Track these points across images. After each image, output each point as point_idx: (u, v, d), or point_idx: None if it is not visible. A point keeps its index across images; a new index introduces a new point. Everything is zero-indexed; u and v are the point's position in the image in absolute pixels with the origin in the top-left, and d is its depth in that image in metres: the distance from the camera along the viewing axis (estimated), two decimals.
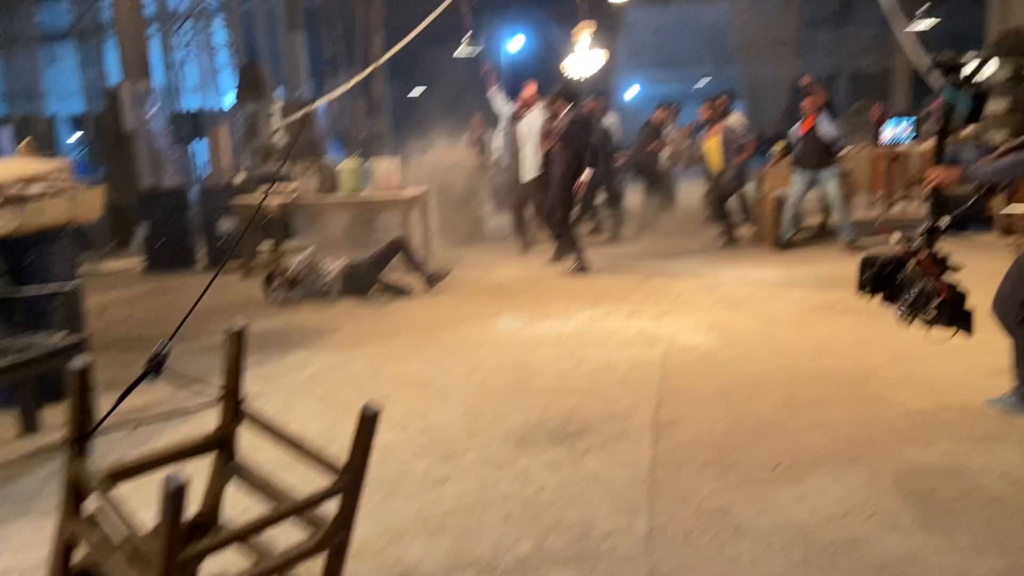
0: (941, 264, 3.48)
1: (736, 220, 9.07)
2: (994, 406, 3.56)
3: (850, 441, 3.27)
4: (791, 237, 8.11)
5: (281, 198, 7.69)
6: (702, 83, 21.11)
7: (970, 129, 9.25)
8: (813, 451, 3.18)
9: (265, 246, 8.29)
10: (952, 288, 3.41)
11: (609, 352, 4.70)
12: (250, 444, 2.26)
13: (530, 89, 8.30)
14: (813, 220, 9.22)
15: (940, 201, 3.60)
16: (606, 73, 15.88)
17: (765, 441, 3.31)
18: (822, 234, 8.79)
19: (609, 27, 19.35)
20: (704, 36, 20.78)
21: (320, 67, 9.88)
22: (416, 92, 18.97)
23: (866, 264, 3.74)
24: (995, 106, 9.14)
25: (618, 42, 20.30)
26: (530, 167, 8.11)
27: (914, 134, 10.00)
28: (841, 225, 8.01)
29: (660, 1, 19.40)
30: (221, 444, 2.15)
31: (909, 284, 3.54)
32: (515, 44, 20.56)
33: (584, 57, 9.31)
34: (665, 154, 10.04)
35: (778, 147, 9.07)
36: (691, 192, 11.52)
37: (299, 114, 9.94)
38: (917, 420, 3.46)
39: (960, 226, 8.28)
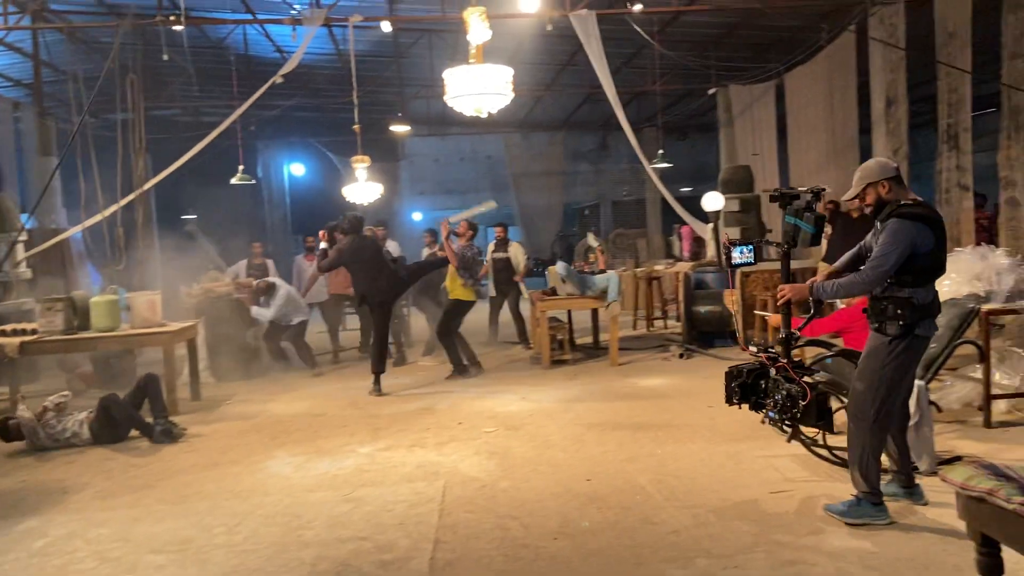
0: (801, 368, 3.78)
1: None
2: (845, 517, 3.64)
3: (621, 566, 3.33)
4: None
5: (20, 338, 6.85)
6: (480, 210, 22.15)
7: (711, 253, 10.40)
8: None
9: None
10: (815, 389, 3.68)
11: (388, 490, 4.53)
12: None
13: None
14: (585, 339, 9.76)
15: (788, 314, 3.97)
16: (389, 200, 16.23)
17: None
18: (595, 352, 9.31)
19: (391, 155, 19.96)
20: (482, 165, 21.98)
21: (75, 194, 9.16)
22: (186, 220, 18.13)
23: (731, 376, 4.02)
24: (729, 233, 10.35)
25: (400, 169, 20.97)
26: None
27: (751, 259, 11.12)
28: None
29: (438, 132, 20.33)
30: None
31: (774, 390, 3.80)
32: (296, 170, 20.47)
33: (362, 187, 9.46)
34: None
35: (552, 270, 9.66)
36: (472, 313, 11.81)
37: (47, 244, 9.09)
38: (678, 539, 3.61)
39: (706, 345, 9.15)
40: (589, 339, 9.79)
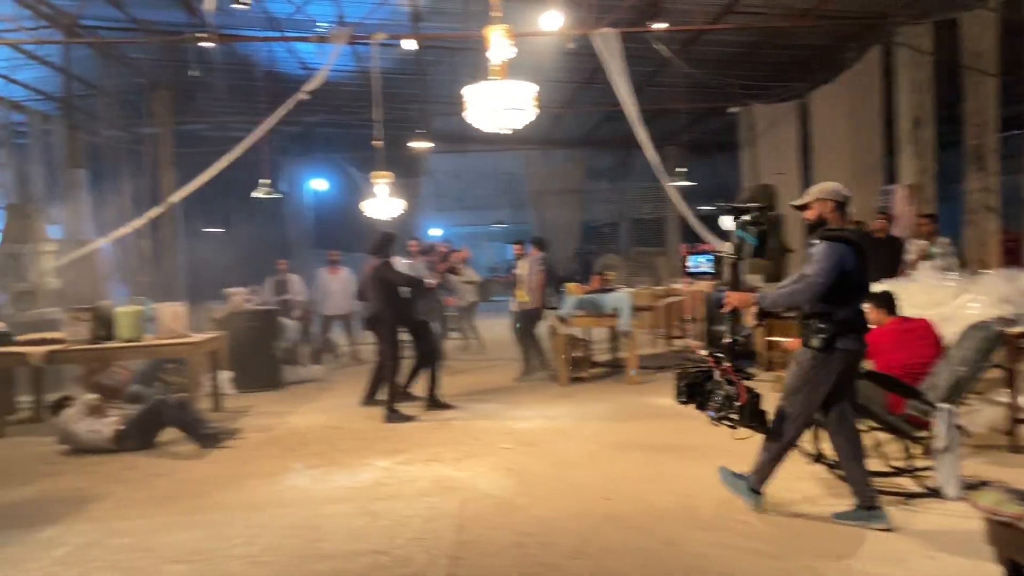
0: (741, 372, 4.07)
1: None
2: (840, 520, 3.89)
3: None
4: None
5: (48, 347, 6.94)
6: (497, 226, 22.26)
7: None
8: None
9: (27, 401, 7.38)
10: (751, 392, 3.98)
11: (405, 504, 4.51)
12: None
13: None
14: (604, 357, 9.71)
15: (736, 320, 4.21)
16: (409, 216, 16.32)
17: None
18: (612, 371, 9.25)
19: (412, 171, 20.07)
20: (501, 182, 22.07)
21: (104, 206, 9.30)
22: (213, 232, 18.33)
23: (681, 376, 4.31)
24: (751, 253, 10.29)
25: (421, 185, 21.09)
26: None
27: (711, 268, 11.10)
28: None
29: (459, 149, 20.46)
30: None
31: (716, 390, 4.12)
32: (319, 186, 20.66)
33: (383, 203, 9.52)
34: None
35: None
36: (487, 328, 11.82)
37: (75, 254, 9.21)
38: (703, 563, 3.56)
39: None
40: (608, 356, 9.74)
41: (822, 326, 3.82)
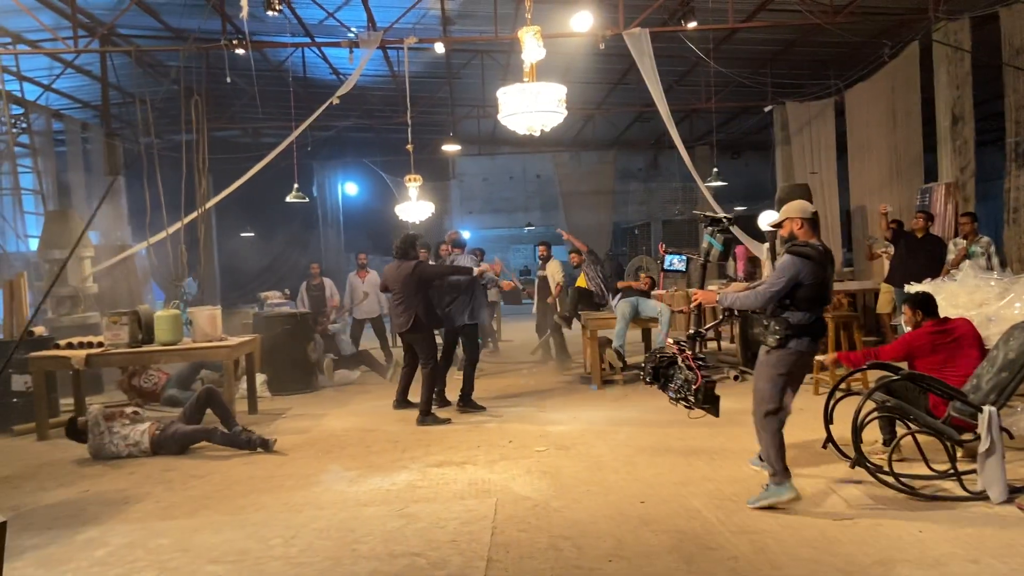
0: (700, 360, 4.62)
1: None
2: (754, 504, 4.26)
3: None
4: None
5: (88, 351, 7.10)
6: (527, 228, 22.27)
7: (768, 272, 10.24)
8: None
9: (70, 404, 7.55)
10: (707, 378, 4.52)
11: (440, 507, 4.54)
12: None
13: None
14: (637, 359, 9.66)
15: (701, 315, 4.97)
16: (439, 218, 16.41)
17: None
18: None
19: (442, 174, 20.19)
20: (531, 185, 22.09)
21: (141, 211, 9.49)
22: (246, 237, 18.60)
23: (649, 359, 5.00)
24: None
25: (450, 188, 21.20)
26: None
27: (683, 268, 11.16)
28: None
29: (488, 152, 20.54)
30: None
31: (677, 374, 4.68)
32: (350, 190, 20.85)
33: (414, 205, 9.59)
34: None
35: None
36: (515, 331, 11.85)
37: (114, 260, 9.41)
38: (737, 566, 3.53)
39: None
40: (641, 359, 9.69)
41: (777, 328, 4.29)
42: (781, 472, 4.26)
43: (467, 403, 7.41)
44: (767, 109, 14.69)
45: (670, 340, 5.05)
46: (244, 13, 7.80)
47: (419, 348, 7.23)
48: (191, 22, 10.37)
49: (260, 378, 8.32)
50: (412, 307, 7.08)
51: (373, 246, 16.30)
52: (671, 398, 4.68)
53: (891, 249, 9.13)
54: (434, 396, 7.23)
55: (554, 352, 10.06)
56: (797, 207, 4.51)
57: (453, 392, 7.67)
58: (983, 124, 12.49)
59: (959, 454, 4.48)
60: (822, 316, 4.41)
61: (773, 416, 4.31)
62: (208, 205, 10.12)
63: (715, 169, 14.92)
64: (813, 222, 4.47)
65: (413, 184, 9.50)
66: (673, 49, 11.02)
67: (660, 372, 4.79)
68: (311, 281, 11.21)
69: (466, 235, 18.99)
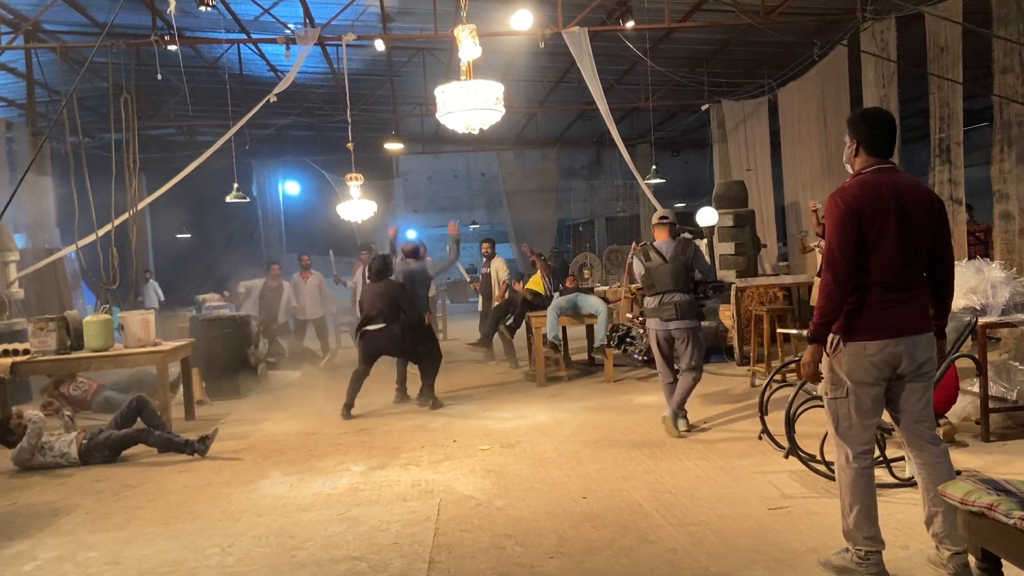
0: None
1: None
2: None
3: None
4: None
5: (13, 359, 6.80)
6: (472, 227, 22.23)
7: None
8: None
9: None
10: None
11: (383, 509, 4.48)
12: None
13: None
14: (580, 356, 9.73)
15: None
16: (382, 217, 16.23)
17: None
18: (590, 368, 9.28)
19: (385, 173, 19.99)
20: (476, 183, 22.05)
21: (70, 212, 9.13)
22: (183, 238, 18.12)
23: (613, 330, 8.31)
24: (723, 248, 10.37)
25: (394, 187, 21.02)
26: None
27: None
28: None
29: (432, 150, 20.42)
30: None
31: (638, 340, 7.87)
32: (291, 190, 20.50)
33: (356, 204, 9.46)
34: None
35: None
36: (460, 330, 11.82)
37: (41, 264, 9.04)
38: (676, 558, 3.57)
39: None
40: (585, 356, 9.77)
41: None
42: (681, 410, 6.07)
43: (431, 399, 7.60)
44: (704, 108, 14.93)
45: (628, 315, 7.07)
46: (172, 8, 7.57)
47: (422, 353, 7.62)
48: (120, 17, 10.02)
49: (198, 383, 8.10)
50: (397, 321, 7.40)
51: (316, 247, 16.03)
52: (635, 360, 8.04)
53: (823, 243, 9.37)
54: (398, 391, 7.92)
55: (505, 352, 10.04)
56: (654, 216, 6.22)
57: (414, 387, 7.85)
58: (910, 121, 12.90)
59: (887, 442, 4.60)
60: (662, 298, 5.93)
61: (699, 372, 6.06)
62: (141, 205, 9.80)
63: (654, 167, 15.10)
64: (662, 225, 6.05)
65: (354, 183, 9.35)
66: (612, 48, 11.11)
67: (622, 340, 8.04)
68: (270, 282, 10.96)
69: (411, 234, 18.85)
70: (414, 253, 8.28)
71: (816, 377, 3.25)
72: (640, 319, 6.87)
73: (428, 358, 7.68)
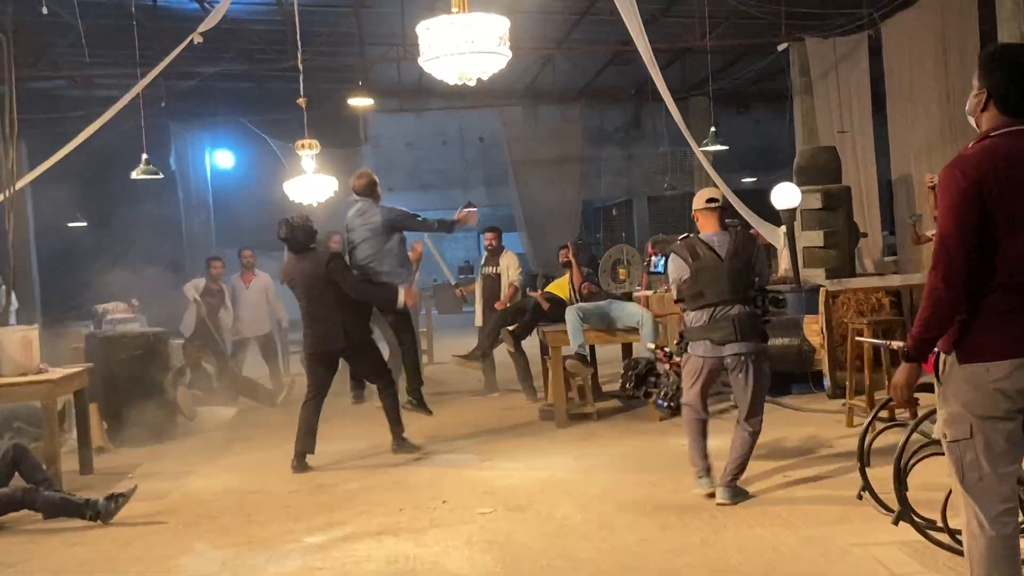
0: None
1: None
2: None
3: None
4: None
5: None
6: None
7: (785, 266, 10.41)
8: None
9: None
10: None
11: None
12: None
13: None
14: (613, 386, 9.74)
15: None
16: (346, 197, 16.26)
17: None
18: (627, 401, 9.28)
19: (349, 139, 20.02)
20: (472, 151, 22.08)
21: None
22: (76, 228, 18.20)
23: (629, 367, 6.90)
24: (807, 239, 10.33)
25: (362, 156, 21.05)
26: None
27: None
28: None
29: (413, 107, 20.36)
30: None
31: (663, 380, 6.30)
32: (222, 161, 20.59)
33: (310, 181, 9.46)
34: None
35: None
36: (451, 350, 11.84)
37: None
38: None
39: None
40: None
41: (680, 331, 6.04)
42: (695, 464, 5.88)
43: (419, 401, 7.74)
44: (781, 48, 14.93)
45: (650, 345, 6.69)
46: None
47: (364, 368, 7.58)
48: None
49: (97, 424, 8.14)
50: (334, 317, 7.23)
51: (256, 239, 16.06)
52: (659, 406, 6.25)
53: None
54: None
55: (518, 376, 9.93)
56: (697, 198, 5.95)
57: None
58: None
59: None
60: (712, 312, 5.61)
61: (686, 410, 5.83)
62: (20, 184, 9.85)
63: (713, 128, 15.08)
64: (710, 213, 5.82)
65: (307, 152, 9.35)
66: None
67: (642, 380, 6.52)
68: (210, 284, 10.89)
69: None
70: (369, 189, 7.89)
71: (910, 403, 3.25)
72: (664, 351, 6.43)
73: (381, 378, 7.53)
